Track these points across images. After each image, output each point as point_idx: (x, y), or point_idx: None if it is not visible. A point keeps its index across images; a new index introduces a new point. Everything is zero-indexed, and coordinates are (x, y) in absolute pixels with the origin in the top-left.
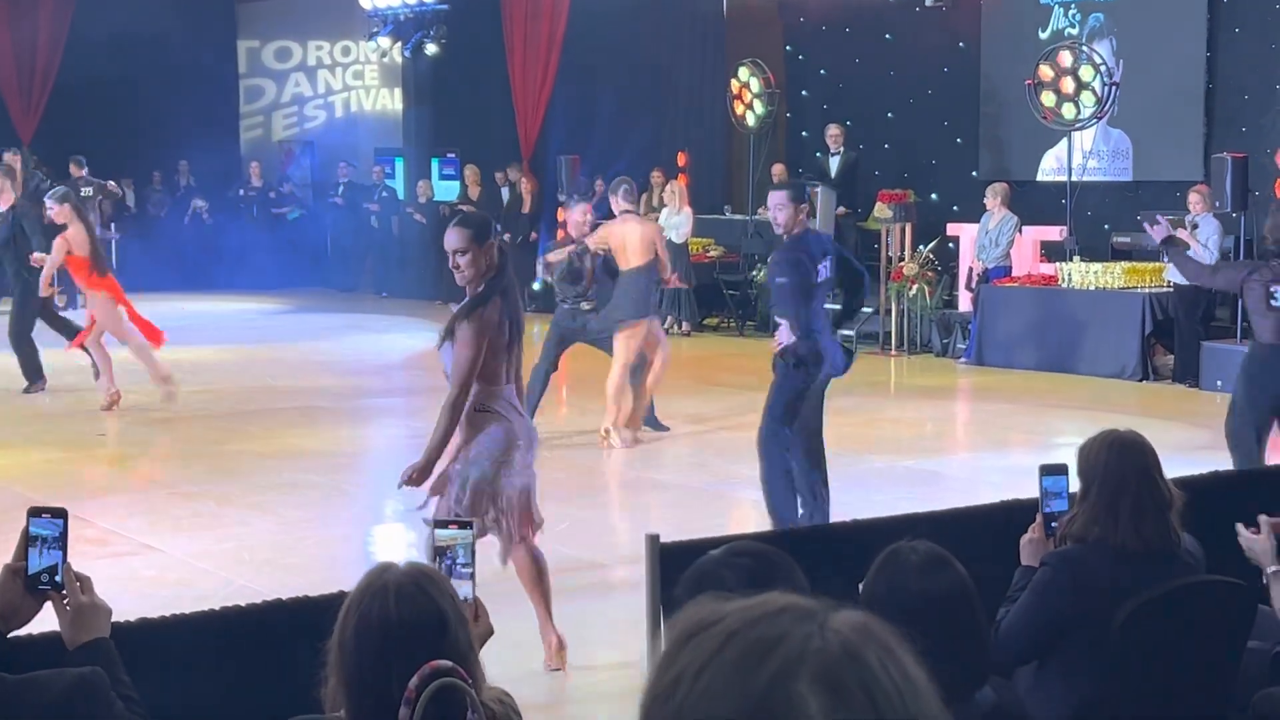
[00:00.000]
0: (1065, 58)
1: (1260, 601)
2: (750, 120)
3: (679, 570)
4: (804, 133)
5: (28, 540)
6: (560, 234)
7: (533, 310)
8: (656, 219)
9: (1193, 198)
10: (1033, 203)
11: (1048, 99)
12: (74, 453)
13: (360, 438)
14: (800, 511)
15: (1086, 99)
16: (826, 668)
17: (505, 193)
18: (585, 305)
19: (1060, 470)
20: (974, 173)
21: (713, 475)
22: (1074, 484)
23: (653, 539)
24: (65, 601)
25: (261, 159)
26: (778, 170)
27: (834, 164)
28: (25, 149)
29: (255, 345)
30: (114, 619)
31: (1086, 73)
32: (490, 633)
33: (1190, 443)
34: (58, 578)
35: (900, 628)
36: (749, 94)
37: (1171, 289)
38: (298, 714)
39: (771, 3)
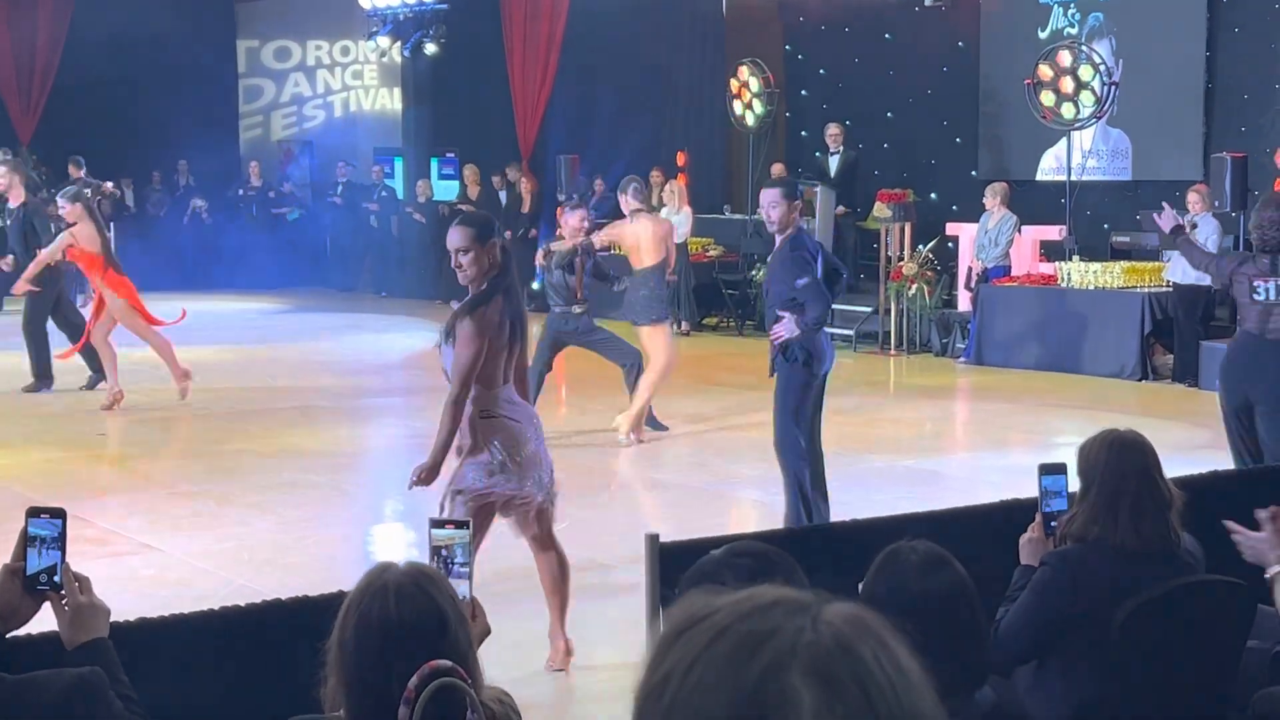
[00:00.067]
0: (1065, 57)
1: (1260, 601)
2: (750, 120)
3: (679, 570)
4: (803, 132)
5: (26, 540)
6: (560, 234)
7: (532, 309)
8: None
9: (1191, 197)
10: (1032, 202)
11: (1047, 98)
12: (74, 452)
13: (360, 437)
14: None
15: (1086, 98)
16: (819, 660)
17: (503, 196)
18: (577, 309)
19: (1059, 469)
20: (973, 172)
21: (712, 475)
22: (1073, 483)
23: (653, 539)
24: (64, 602)
25: (261, 159)
26: (777, 170)
27: (833, 163)
28: (24, 149)
29: (255, 345)
30: (113, 619)
31: (1086, 72)
32: (487, 632)
33: (1190, 442)
34: (56, 578)
35: (900, 627)
36: (748, 93)
37: (1171, 289)
38: (297, 714)
39: (771, 2)
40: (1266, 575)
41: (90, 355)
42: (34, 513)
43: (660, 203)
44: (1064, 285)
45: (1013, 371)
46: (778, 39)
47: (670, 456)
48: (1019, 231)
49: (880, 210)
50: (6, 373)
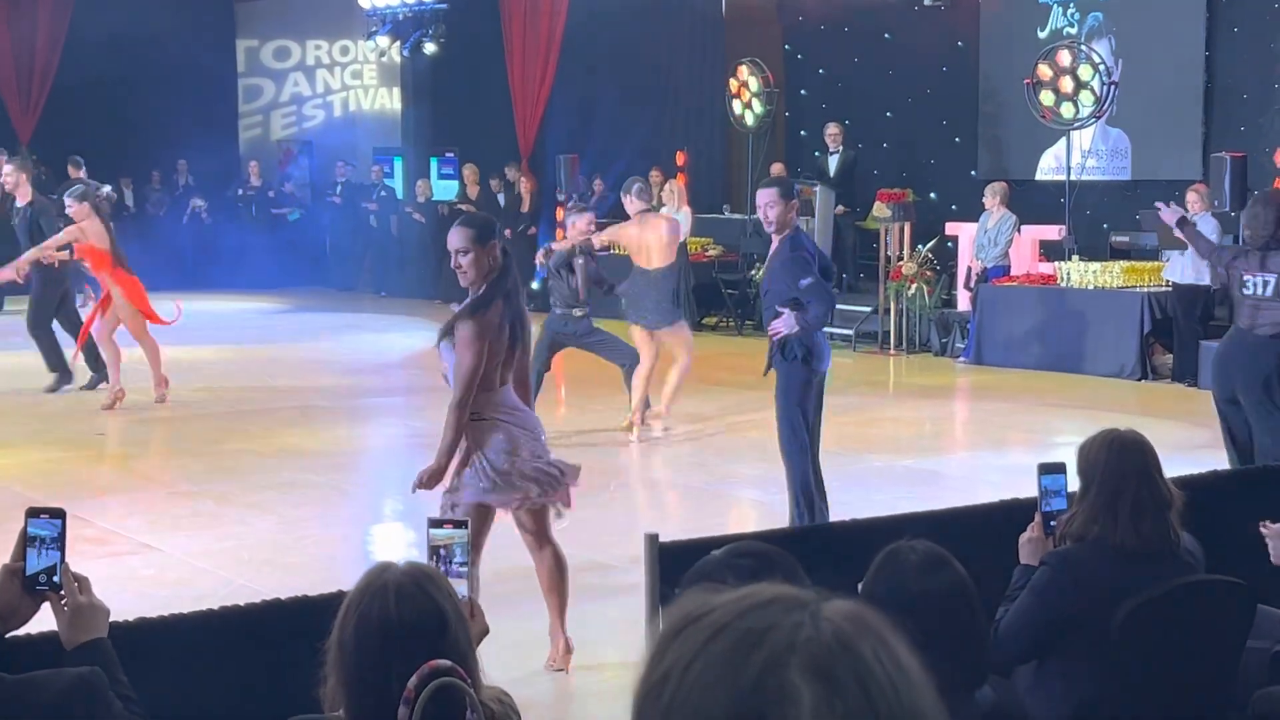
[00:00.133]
0: (1064, 57)
1: (1260, 601)
2: (749, 119)
3: (679, 570)
4: (803, 132)
5: (26, 540)
6: (559, 234)
7: (532, 309)
8: None
9: (1190, 197)
10: (1031, 202)
11: (1046, 98)
12: (73, 452)
13: (359, 437)
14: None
15: (1085, 98)
16: (818, 657)
17: (501, 198)
18: (577, 312)
19: (1059, 469)
20: (973, 172)
21: (712, 475)
22: (1073, 483)
23: (652, 539)
24: (63, 602)
25: (260, 158)
26: (776, 169)
27: (833, 163)
28: (24, 149)
29: (254, 345)
30: (112, 619)
31: (1085, 72)
32: (486, 632)
33: (1189, 442)
34: (56, 578)
35: (899, 626)
36: (748, 93)
37: (1170, 288)
38: (297, 714)
39: (770, 2)
40: None
41: (91, 355)
42: (33, 513)
43: (660, 202)
44: (1063, 285)
45: (1012, 371)
46: (777, 39)
47: (670, 456)
48: (1018, 231)
49: (880, 210)
50: (7, 373)
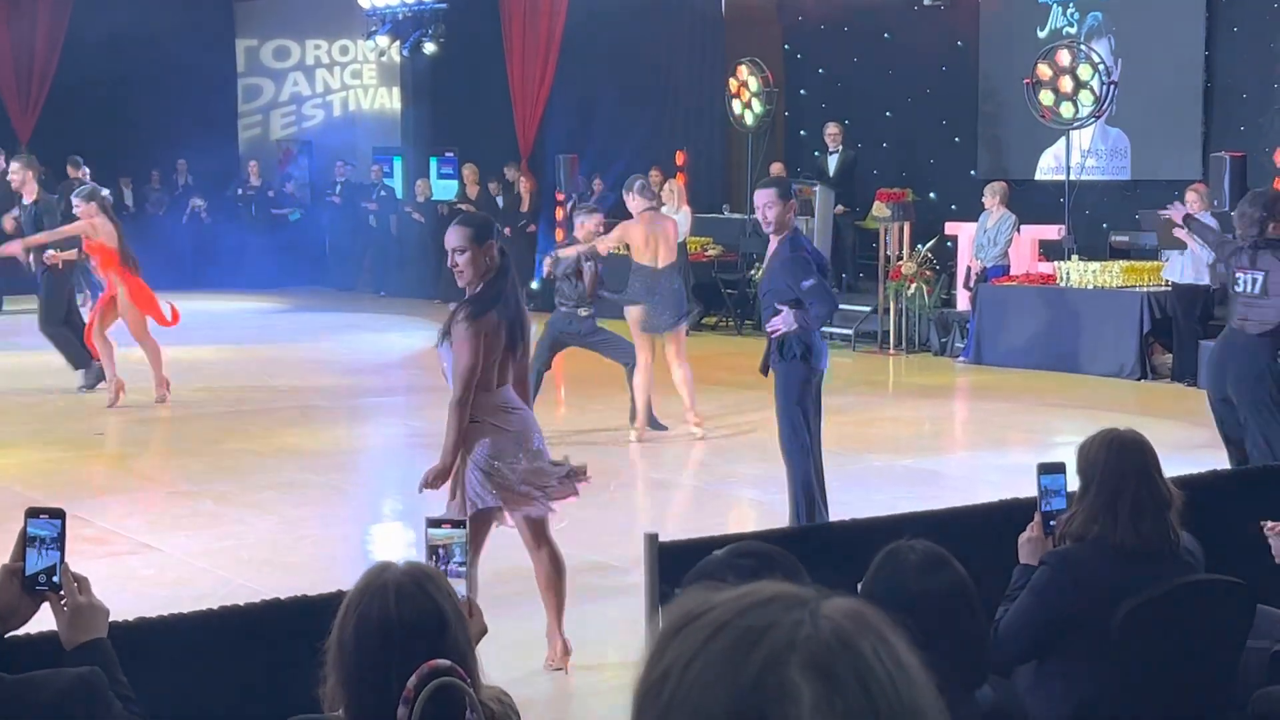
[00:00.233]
0: (1064, 56)
1: (1260, 601)
2: (749, 119)
3: (679, 570)
4: (802, 131)
5: (25, 540)
6: (559, 234)
7: (531, 309)
8: None
9: (1190, 196)
10: (1031, 201)
11: (1046, 98)
12: (73, 452)
13: (359, 437)
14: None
15: (1085, 98)
16: (818, 654)
17: (500, 200)
18: (583, 312)
19: (1058, 469)
20: (972, 171)
21: (712, 475)
22: (1073, 483)
23: (652, 538)
24: (63, 602)
25: (260, 158)
26: (776, 169)
27: (832, 163)
28: (23, 149)
29: (254, 344)
30: (112, 619)
31: (1085, 71)
32: (484, 631)
33: (1189, 441)
34: (55, 578)
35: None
36: (747, 93)
37: (1170, 288)
38: (297, 714)
39: (770, 2)
40: None
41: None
42: (33, 513)
43: (660, 202)
44: (1063, 285)
45: (1012, 371)
46: (777, 38)
47: (670, 456)
48: (1018, 231)
49: (879, 210)
50: (7, 373)
